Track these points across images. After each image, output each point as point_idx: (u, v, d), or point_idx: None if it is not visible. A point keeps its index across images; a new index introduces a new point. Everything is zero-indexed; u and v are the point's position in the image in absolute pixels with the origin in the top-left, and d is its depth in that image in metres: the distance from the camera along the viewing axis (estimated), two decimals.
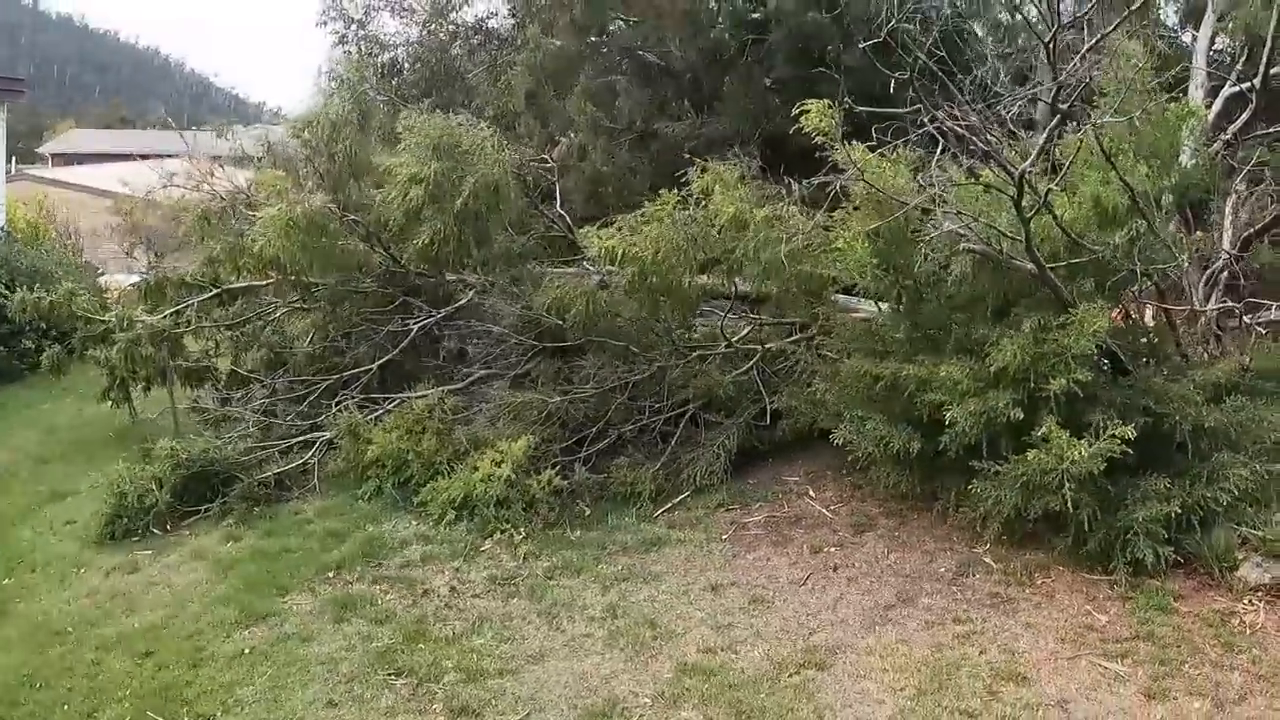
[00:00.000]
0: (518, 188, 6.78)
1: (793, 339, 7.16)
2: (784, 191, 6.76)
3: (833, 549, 5.67)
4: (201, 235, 7.12)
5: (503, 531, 5.98)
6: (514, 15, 10.13)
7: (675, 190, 6.37)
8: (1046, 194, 4.43)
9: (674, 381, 6.85)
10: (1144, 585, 4.80)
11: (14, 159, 24.84)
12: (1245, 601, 4.58)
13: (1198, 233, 5.62)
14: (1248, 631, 4.42)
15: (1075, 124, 5.44)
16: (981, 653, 4.47)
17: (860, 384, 5.80)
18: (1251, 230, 5.31)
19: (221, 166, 8.77)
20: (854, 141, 5.50)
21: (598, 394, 6.69)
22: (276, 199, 6.49)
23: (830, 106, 5.39)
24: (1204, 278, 5.73)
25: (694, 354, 7.04)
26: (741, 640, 4.73)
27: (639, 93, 8.98)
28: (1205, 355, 5.81)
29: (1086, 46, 5.15)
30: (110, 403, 7.88)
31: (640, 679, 4.45)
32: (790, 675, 4.40)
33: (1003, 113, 6.08)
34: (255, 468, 6.79)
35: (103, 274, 11.29)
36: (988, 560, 5.32)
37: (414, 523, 6.29)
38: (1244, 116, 5.24)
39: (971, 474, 5.41)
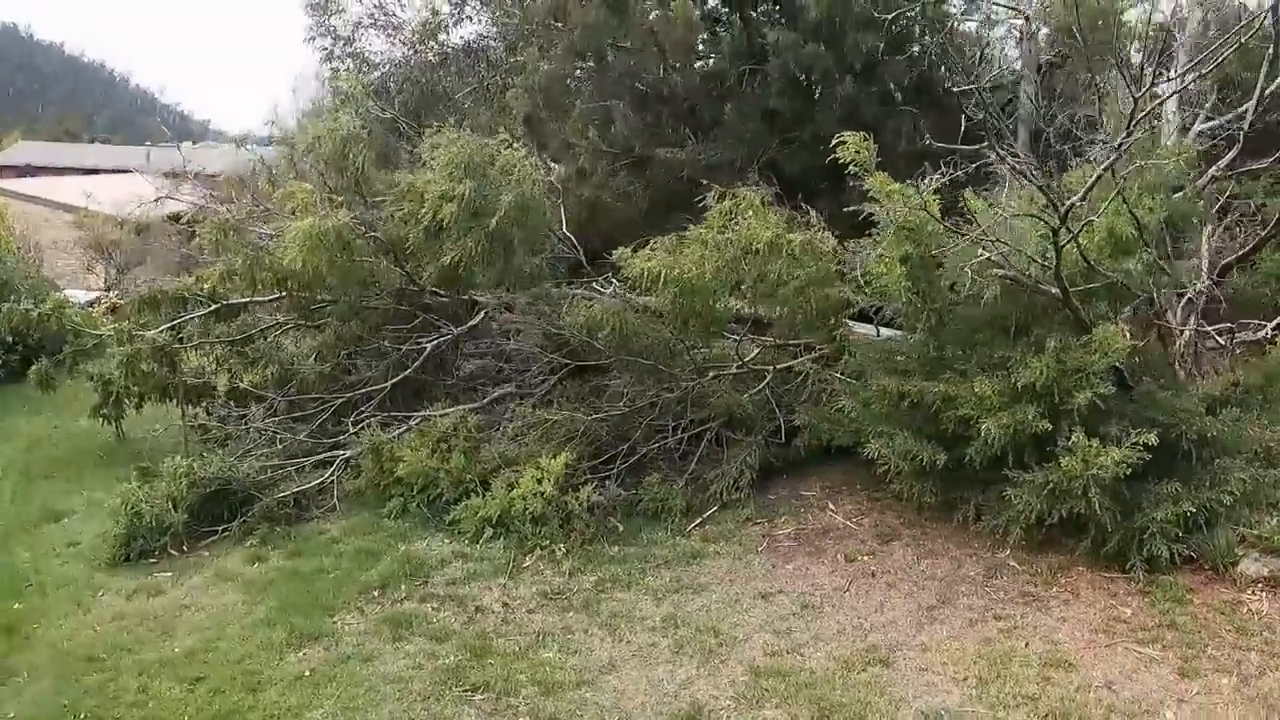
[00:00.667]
0: (549, 208, 6.90)
1: (798, 360, 7.49)
2: (798, 217, 7.12)
3: (866, 558, 5.96)
4: (219, 248, 6.93)
5: (543, 548, 6.03)
6: (506, 39, 10.27)
7: (680, 214, 6.64)
8: (1082, 226, 4.89)
9: (694, 400, 7.06)
10: (1159, 581, 5.26)
11: None
12: (1249, 592, 5.10)
13: (1193, 260, 6.25)
14: (1256, 618, 4.91)
15: (1078, 159, 5.97)
16: (1027, 644, 4.82)
17: (884, 401, 6.16)
18: (1234, 258, 5.94)
19: (195, 181, 8.58)
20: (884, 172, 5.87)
21: (624, 412, 6.83)
22: (303, 213, 6.41)
23: (866, 139, 5.74)
24: (1183, 302, 6.36)
25: (710, 374, 7.27)
26: (803, 643, 4.94)
27: (636, 118, 9.25)
28: (1184, 373, 6.41)
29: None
30: (102, 419, 7.52)
31: (716, 683, 4.60)
32: (858, 672, 4.63)
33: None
34: (272, 486, 6.63)
35: (62, 290, 10.71)
36: (1012, 563, 5.70)
37: (447, 541, 6.27)
38: (1231, 154, 5.89)
39: (989, 485, 5.84)
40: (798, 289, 6.33)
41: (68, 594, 5.77)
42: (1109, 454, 4.97)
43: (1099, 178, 4.78)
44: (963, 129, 6.46)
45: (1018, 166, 5.31)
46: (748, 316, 7.77)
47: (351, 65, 10.68)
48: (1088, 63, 6.84)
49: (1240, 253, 5.97)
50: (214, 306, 7.66)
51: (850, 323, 7.43)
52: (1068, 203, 4.74)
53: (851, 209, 6.05)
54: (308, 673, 4.78)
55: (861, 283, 6.17)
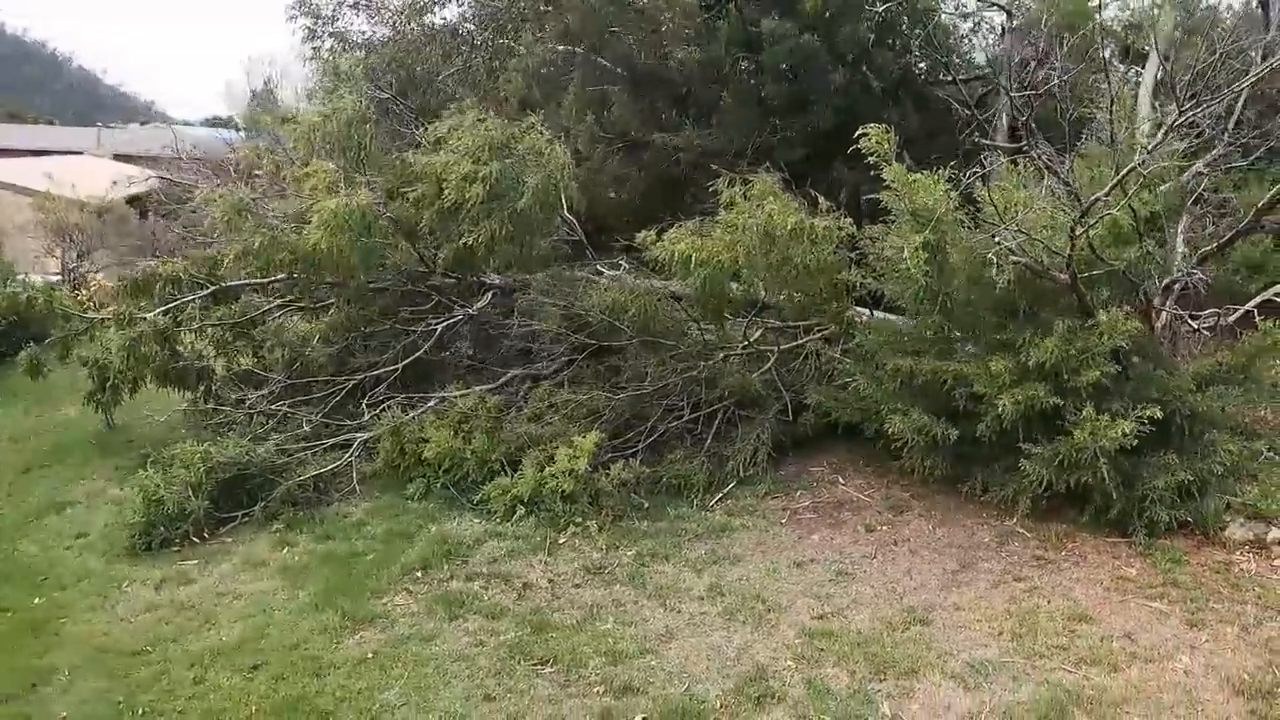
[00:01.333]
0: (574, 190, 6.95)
1: (799, 341, 7.78)
2: (803, 203, 7.37)
3: (884, 528, 6.29)
4: (230, 228, 6.71)
5: (576, 525, 6.15)
6: (496, 21, 10.17)
7: (676, 197, 6.82)
8: (1099, 218, 5.27)
9: (707, 380, 7.26)
10: (1157, 545, 5.74)
11: None
12: (1238, 554, 5.63)
13: (1169, 249, 6.76)
14: (1247, 575, 5.43)
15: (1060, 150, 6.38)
16: (1048, 601, 5.22)
17: (896, 380, 6.49)
18: (1213, 247, 6.48)
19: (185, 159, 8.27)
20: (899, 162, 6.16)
21: (643, 392, 6.97)
22: (325, 193, 6.29)
23: (887, 131, 6.01)
24: (1161, 288, 6.90)
25: (720, 355, 7.49)
26: (845, 607, 5.23)
27: (632, 103, 9.33)
28: (1163, 354, 6.94)
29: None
30: (96, 407, 7.22)
31: (773, 646, 4.83)
32: (902, 631, 4.94)
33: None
34: (290, 470, 6.53)
35: (21, 274, 10.12)
36: (1021, 531, 6.11)
37: (477, 520, 6.32)
38: (1216, 151, 6.41)
39: (995, 458, 6.24)
40: (812, 272, 6.58)
41: (89, 586, 5.60)
42: (1119, 426, 5.39)
43: (1124, 176, 5.15)
44: (957, 123, 6.84)
45: (1049, 163, 5.65)
46: (753, 299, 8.01)
47: (334, 45, 10.39)
48: (1065, 57, 7.26)
49: (1219, 242, 6.50)
50: (211, 289, 7.44)
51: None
52: (1092, 197, 5.11)
53: (841, 194, 6.32)
54: (370, 655, 4.80)
55: (880, 269, 6.44)
